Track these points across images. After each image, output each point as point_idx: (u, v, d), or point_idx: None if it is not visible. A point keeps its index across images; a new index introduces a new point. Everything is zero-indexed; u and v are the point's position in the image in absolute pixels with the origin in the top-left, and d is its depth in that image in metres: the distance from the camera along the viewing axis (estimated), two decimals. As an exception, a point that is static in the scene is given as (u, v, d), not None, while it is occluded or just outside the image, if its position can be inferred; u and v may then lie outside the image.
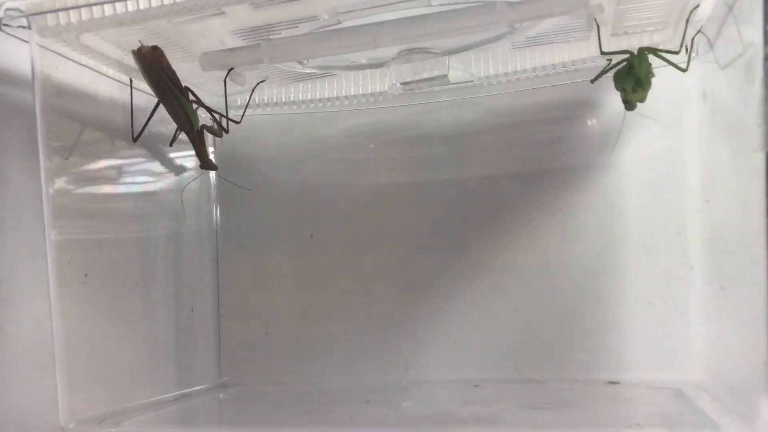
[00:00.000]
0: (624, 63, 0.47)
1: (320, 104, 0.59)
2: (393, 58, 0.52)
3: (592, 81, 0.48)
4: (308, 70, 0.54)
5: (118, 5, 0.42)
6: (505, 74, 0.55)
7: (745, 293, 0.42)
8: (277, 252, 0.64)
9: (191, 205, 0.62)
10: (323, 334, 0.63)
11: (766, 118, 0.37)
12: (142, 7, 0.42)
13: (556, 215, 0.58)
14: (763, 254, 0.37)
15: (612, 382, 0.55)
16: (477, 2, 0.44)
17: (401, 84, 0.55)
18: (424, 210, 0.62)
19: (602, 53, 0.46)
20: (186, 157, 0.62)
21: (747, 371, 0.41)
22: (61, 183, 0.47)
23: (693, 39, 0.46)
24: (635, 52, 0.47)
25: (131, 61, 0.49)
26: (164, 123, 0.58)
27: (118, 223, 0.53)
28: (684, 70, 0.47)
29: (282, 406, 0.57)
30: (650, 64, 0.47)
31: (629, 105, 0.48)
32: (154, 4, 0.42)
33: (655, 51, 0.47)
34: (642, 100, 0.48)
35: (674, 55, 0.46)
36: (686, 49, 0.47)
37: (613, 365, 0.56)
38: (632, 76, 0.47)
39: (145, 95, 0.55)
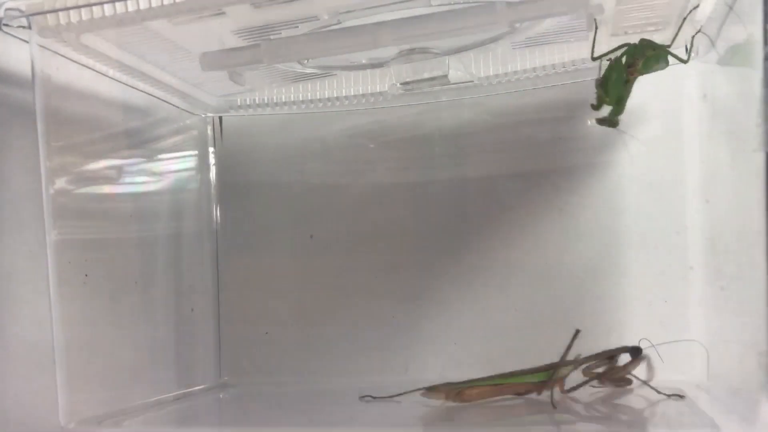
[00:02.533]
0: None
1: (320, 104, 0.59)
2: (393, 58, 0.52)
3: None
4: (308, 70, 0.54)
5: (118, 5, 0.42)
6: (505, 74, 0.55)
7: (745, 293, 0.42)
8: (277, 252, 0.64)
9: (191, 205, 0.62)
10: (323, 334, 0.63)
11: (766, 118, 0.37)
12: (142, 7, 0.42)
13: (556, 215, 0.58)
14: (763, 254, 0.37)
15: (612, 382, 0.55)
16: (477, 2, 0.44)
17: (401, 84, 0.55)
18: (424, 210, 0.62)
19: (593, 59, 0.46)
20: (185, 157, 0.62)
21: (747, 371, 0.41)
22: (61, 183, 0.47)
23: (693, 37, 0.46)
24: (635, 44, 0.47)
25: (131, 61, 0.49)
26: (165, 123, 0.58)
27: (118, 223, 0.53)
28: (685, 61, 0.47)
29: (282, 406, 0.57)
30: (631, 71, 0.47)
31: (612, 122, 0.48)
32: (154, 4, 0.42)
33: (653, 44, 0.47)
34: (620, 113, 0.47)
35: (673, 48, 0.46)
36: (686, 49, 0.47)
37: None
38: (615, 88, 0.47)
39: (144, 95, 0.55)
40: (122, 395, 0.51)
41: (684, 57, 0.47)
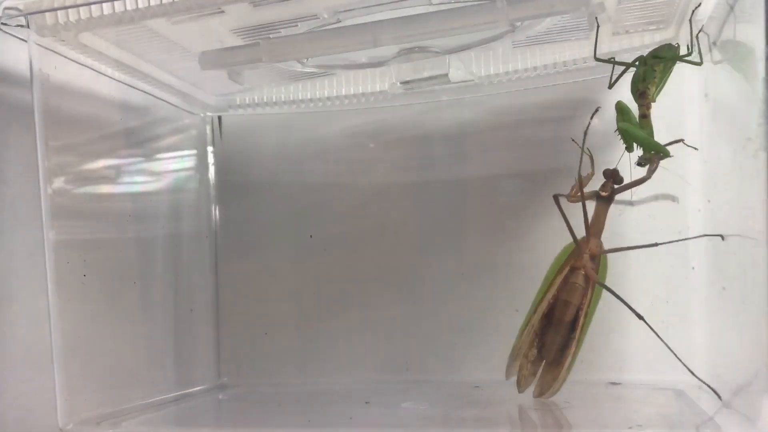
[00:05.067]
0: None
1: (320, 104, 0.59)
2: (393, 57, 0.52)
3: (610, 87, 0.47)
4: (308, 69, 0.54)
5: (116, 4, 0.42)
6: (506, 73, 0.55)
7: (746, 293, 0.42)
8: (277, 252, 0.64)
9: (190, 205, 0.62)
10: (323, 335, 0.63)
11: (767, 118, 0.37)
12: (141, 6, 0.42)
13: (556, 215, 0.58)
14: (764, 254, 0.37)
15: (613, 383, 0.55)
16: (477, 1, 0.44)
17: (401, 83, 0.54)
18: (424, 210, 0.61)
19: (596, 59, 0.46)
20: (184, 156, 0.62)
21: (748, 371, 0.41)
22: (59, 183, 0.46)
23: (696, 36, 0.46)
24: (642, 61, 0.46)
25: (130, 60, 0.49)
26: (164, 122, 0.58)
27: (117, 223, 0.53)
28: (699, 64, 0.46)
29: (282, 406, 0.56)
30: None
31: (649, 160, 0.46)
32: (153, 2, 0.42)
33: (660, 56, 0.46)
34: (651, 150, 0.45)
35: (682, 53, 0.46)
36: (688, 48, 0.47)
37: (614, 366, 0.56)
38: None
39: (143, 94, 0.54)
40: (121, 395, 0.51)
41: (691, 58, 0.46)
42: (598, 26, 0.45)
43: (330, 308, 0.63)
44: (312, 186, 0.64)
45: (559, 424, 0.46)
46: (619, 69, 0.47)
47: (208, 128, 0.64)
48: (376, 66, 0.54)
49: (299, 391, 0.61)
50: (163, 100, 0.57)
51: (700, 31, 0.46)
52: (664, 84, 0.47)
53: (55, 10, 0.43)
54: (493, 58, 0.54)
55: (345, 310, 0.62)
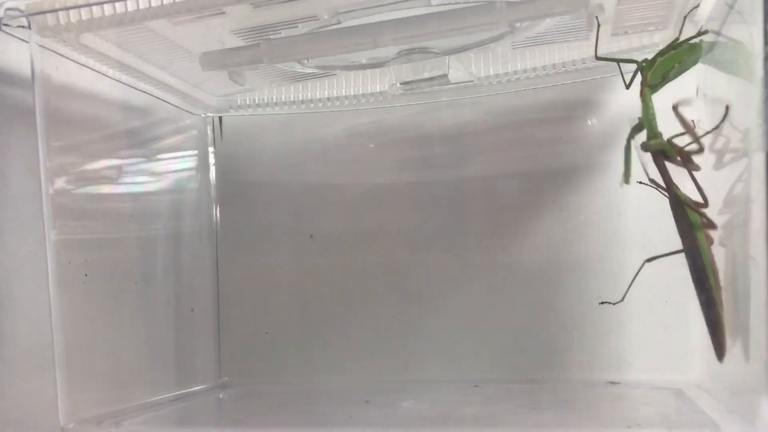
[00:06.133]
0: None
1: (320, 104, 0.59)
2: (393, 58, 0.52)
3: (627, 87, 0.47)
4: (308, 70, 0.55)
5: (118, 5, 0.42)
6: (506, 74, 0.55)
7: (745, 293, 0.42)
8: (277, 252, 0.64)
9: (191, 205, 0.62)
10: (323, 334, 0.63)
11: (766, 118, 0.37)
12: (141, 6, 0.42)
13: (556, 215, 0.58)
14: (763, 254, 0.37)
15: (612, 382, 0.55)
16: (477, 2, 0.44)
17: (401, 84, 0.55)
18: (424, 210, 0.62)
19: (597, 58, 0.46)
20: (185, 157, 0.62)
21: (747, 371, 0.41)
22: (61, 183, 0.47)
23: (697, 36, 0.46)
24: (643, 61, 0.46)
25: (131, 61, 0.49)
26: (165, 123, 0.58)
27: (118, 223, 0.53)
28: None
29: (282, 406, 0.57)
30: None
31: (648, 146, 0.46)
32: (154, 3, 0.42)
33: (662, 53, 0.46)
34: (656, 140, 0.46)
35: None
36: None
37: (613, 365, 0.56)
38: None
39: (144, 95, 0.55)
40: (122, 395, 0.51)
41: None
42: (598, 26, 0.45)
43: (330, 308, 0.63)
44: (312, 186, 0.64)
45: (559, 423, 0.46)
46: (631, 68, 0.46)
47: (209, 129, 0.64)
48: (376, 67, 0.54)
49: (299, 390, 0.61)
50: (164, 101, 0.57)
51: (698, 32, 0.46)
52: (666, 78, 0.46)
53: (56, 11, 0.43)
54: (492, 59, 0.54)
55: (345, 309, 0.63)
